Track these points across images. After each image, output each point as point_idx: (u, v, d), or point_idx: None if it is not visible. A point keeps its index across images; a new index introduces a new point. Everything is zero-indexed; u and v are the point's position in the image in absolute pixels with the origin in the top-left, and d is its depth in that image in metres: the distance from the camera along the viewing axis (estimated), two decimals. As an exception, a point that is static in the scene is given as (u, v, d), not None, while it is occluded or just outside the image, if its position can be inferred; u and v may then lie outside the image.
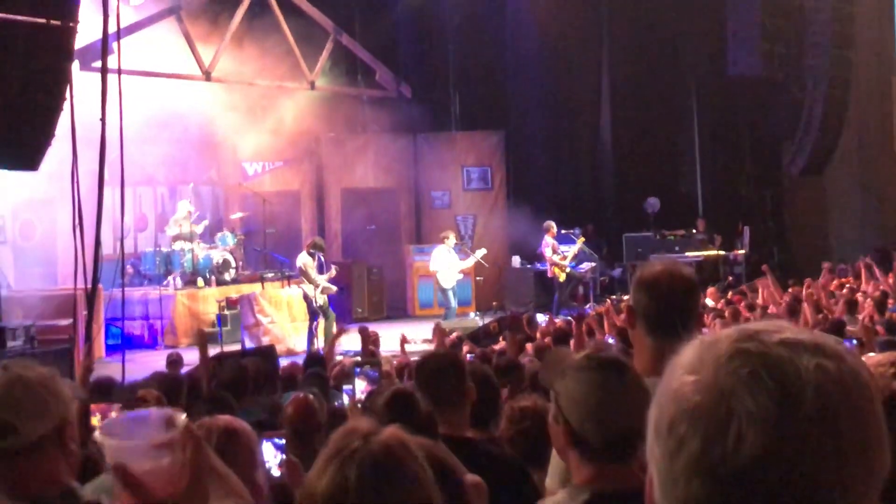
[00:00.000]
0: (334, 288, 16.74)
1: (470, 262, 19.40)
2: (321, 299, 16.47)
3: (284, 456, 4.12)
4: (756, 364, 1.14)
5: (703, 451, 1.12)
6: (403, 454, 2.09)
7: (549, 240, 20.28)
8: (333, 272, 16.99)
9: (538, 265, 21.21)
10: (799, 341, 1.16)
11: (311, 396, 5.92)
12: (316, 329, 16.53)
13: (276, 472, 4.04)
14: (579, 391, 2.64)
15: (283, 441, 4.17)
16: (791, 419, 1.11)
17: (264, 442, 4.07)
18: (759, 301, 16.46)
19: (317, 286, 16.38)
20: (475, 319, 19.16)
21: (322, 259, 17.39)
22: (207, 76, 19.42)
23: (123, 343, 14.54)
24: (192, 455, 1.77)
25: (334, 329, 16.21)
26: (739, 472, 1.11)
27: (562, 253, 20.41)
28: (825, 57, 22.61)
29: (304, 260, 16.55)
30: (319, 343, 16.08)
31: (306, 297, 16.60)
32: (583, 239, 20.99)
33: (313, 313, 16.55)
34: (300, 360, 11.83)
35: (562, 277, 20.32)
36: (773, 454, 1.10)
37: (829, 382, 1.13)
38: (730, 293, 18.19)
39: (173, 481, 1.74)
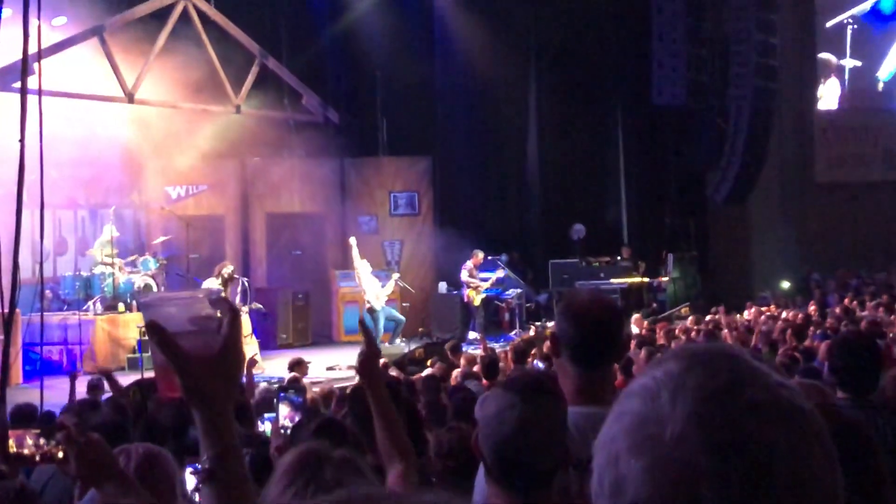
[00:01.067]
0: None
1: (390, 289, 19.34)
2: None
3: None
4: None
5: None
6: (355, 475, 2.14)
7: (468, 264, 20.38)
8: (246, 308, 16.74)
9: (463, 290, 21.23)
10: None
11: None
12: None
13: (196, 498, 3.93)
14: (487, 410, 2.57)
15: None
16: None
17: (187, 470, 3.98)
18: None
19: None
20: (400, 346, 19.08)
21: (246, 284, 17.21)
22: (130, 98, 19.14)
23: (42, 369, 14.18)
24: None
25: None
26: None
27: (479, 278, 20.46)
28: (748, 87, 22.95)
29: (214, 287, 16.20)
30: None
31: None
32: (502, 270, 20.99)
33: None
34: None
35: (476, 301, 20.35)
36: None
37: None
38: (646, 322, 18.34)
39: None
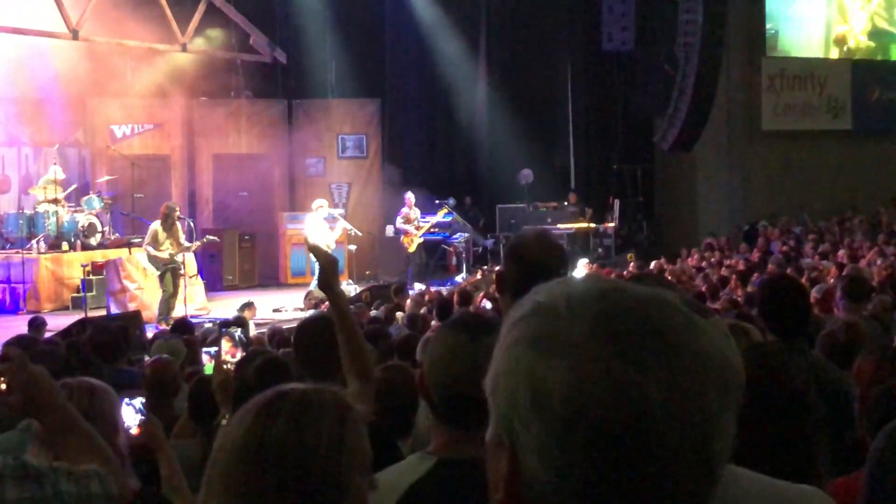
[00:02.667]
0: (169, 258, 16.10)
1: (338, 232, 19.24)
2: (157, 270, 15.92)
3: (143, 416, 4.07)
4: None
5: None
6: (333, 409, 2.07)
7: (403, 210, 20.38)
8: (194, 244, 16.63)
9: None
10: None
11: (168, 357, 5.90)
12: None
13: (134, 432, 4.00)
14: (435, 351, 2.58)
15: (142, 401, 4.12)
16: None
17: (123, 404, 4.01)
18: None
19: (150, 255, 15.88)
20: (348, 289, 19.10)
21: (191, 225, 17.11)
22: (75, 35, 18.82)
23: (-17, 307, 14.11)
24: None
25: (174, 304, 15.90)
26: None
27: (418, 222, 20.43)
28: (697, 35, 22.98)
29: (152, 228, 16.04)
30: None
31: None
32: (445, 210, 20.98)
33: (161, 280, 16.05)
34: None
35: (411, 248, 20.37)
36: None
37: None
38: (594, 265, 18.53)
39: None
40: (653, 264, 17.77)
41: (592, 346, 1.09)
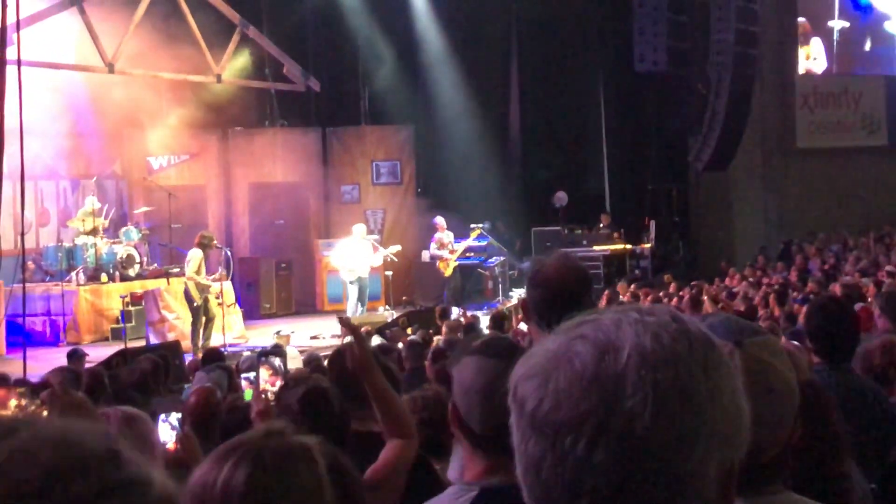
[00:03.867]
0: (211, 284, 16.24)
1: (380, 258, 19.31)
2: (199, 298, 16.04)
3: (179, 432, 4.12)
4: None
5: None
6: (300, 459, 2.09)
7: (436, 236, 20.42)
8: (222, 274, 16.75)
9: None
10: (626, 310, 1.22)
11: (210, 385, 5.93)
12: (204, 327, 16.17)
13: (171, 448, 4.05)
14: (467, 377, 2.55)
15: (179, 417, 4.16)
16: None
17: (160, 422, 4.06)
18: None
19: (196, 284, 16.00)
20: (384, 314, 19.13)
21: (228, 254, 17.21)
22: (111, 68, 19.04)
23: (25, 340, 14.19)
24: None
25: (210, 332, 15.99)
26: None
27: (451, 247, 20.45)
28: (729, 54, 22.94)
29: (190, 255, 16.19)
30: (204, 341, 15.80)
31: (187, 295, 16.23)
32: (477, 232, 20.98)
33: (194, 312, 16.20)
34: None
35: (447, 272, 20.38)
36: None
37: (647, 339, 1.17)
38: (633, 286, 18.44)
39: None
40: (693, 282, 17.65)
41: None
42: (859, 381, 4.68)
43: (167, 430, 4.10)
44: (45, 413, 2.67)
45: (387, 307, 20.18)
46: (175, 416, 4.15)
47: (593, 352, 1.16)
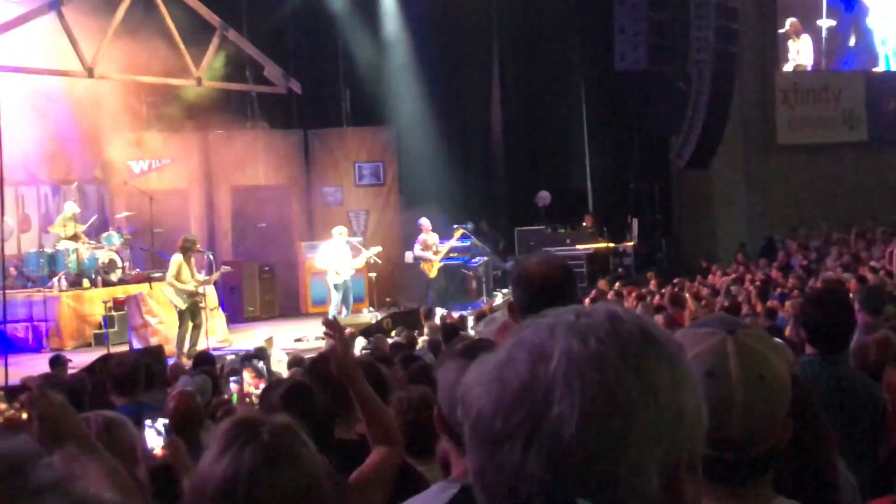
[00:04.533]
0: (195, 289, 16.17)
1: (362, 261, 19.30)
2: (182, 303, 15.97)
3: (166, 438, 4.10)
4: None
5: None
6: (294, 441, 2.16)
7: (420, 237, 20.44)
8: (217, 274, 16.70)
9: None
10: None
11: (190, 390, 5.93)
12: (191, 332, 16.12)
13: (158, 454, 4.03)
14: (450, 378, 2.56)
15: (165, 422, 4.13)
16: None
17: (146, 428, 4.04)
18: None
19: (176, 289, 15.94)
20: (368, 316, 19.11)
21: (211, 258, 17.15)
22: (90, 73, 18.94)
23: (6, 346, 14.13)
24: None
25: (197, 338, 15.94)
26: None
27: (435, 248, 20.49)
28: (709, 51, 23.01)
29: (173, 260, 16.13)
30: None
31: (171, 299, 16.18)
32: (460, 232, 21.02)
33: (180, 317, 16.13)
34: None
35: (431, 273, 20.42)
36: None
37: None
38: (616, 284, 18.47)
39: None
40: (675, 280, 17.69)
41: None
42: (851, 373, 4.70)
43: (153, 436, 4.07)
44: (24, 416, 2.65)
45: (371, 309, 20.15)
46: (161, 422, 4.13)
47: (528, 359, 1.18)
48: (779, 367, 2.04)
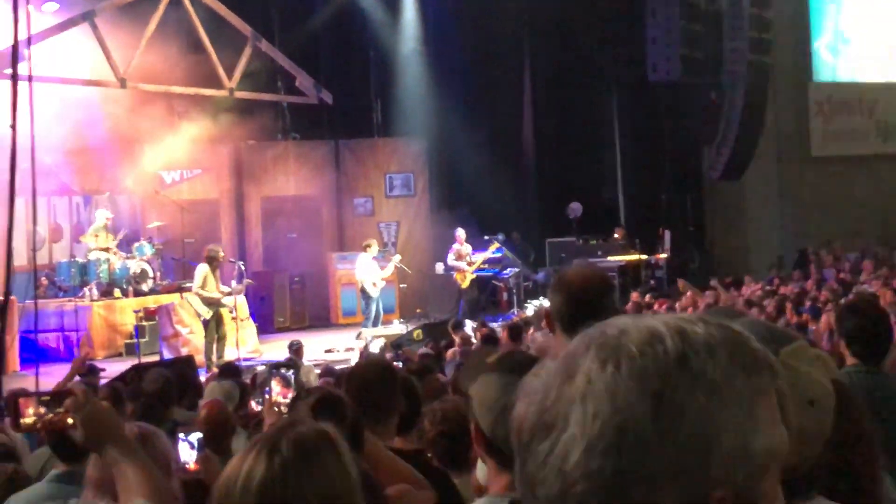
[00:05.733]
0: (220, 297, 16.17)
1: (389, 271, 19.29)
2: (207, 312, 15.97)
3: (200, 452, 4.06)
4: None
5: None
6: (322, 448, 2.14)
7: (454, 247, 20.41)
8: (240, 287, 16.69)
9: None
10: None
11: (220, 399, 5.91)
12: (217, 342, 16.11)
13: (192, 468, 4.00)
14: (488, 395, 2.54)
15: (199, 437, 4.10)
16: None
17: (180, 441, 4.01)
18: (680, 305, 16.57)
19: (203, 298, 15.94)
20: (399, 327, 19.08)
21: (242, 268, 17.14)
22: (123, 83, 19.05)
23: (38, 356, 14.16)
24: None
25: (224, 349, 15.92)
26: None
27: (469, 258, 20.45)
28: (743, 63, 22.87)
29: (197, 269, 16.13)
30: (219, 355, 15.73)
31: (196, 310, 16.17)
32: (496, 245, 21.01)
33: (205, 326, 16.11)
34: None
35: (464, 284, 20.38)
36: None
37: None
38: (648, 296, 18.33)
39: None
40: (707, 293, 17.52)
41: None
42: (894, 383, 4.63)
43: (187, 450, 4.04)
44: (69, 421, 2.67)
45: (401, 320, 20.12)
46: (196, 436, 4.10)
47: (561, 373, 1.15)
48: (824, 382, 2.01)
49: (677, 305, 16.24)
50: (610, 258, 22.27)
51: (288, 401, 5.34)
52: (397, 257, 19.45)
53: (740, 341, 1.16)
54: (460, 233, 20.63)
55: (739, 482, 1.11)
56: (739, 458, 1.11)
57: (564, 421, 1.11)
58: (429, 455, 4.48)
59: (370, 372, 4.26)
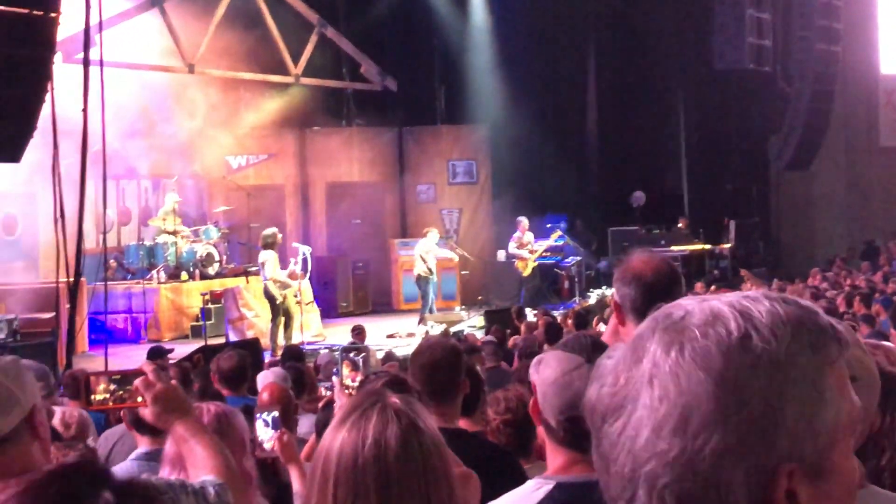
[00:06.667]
0: (292, 283, 16.33)
1: (448, 255, 19.37)
2: (280, 296, 16.13)
3: (278, 431, 4.14)
4: None
5: None
6: (414, 411, 2.21)
7: (516, 235, 20.39)
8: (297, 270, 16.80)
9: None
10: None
11: (280, 383, 5.98)
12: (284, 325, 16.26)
13: (268, 447, 4.09)
14: (546, 370, 2.57)
15: (275, 415, 4.17)
16: None
17: (256, 419, 4.10)
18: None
19: (277, 283, 16.09)
20: (460, 313, 19.12)
21: (307, 254, 17.28)
22: (191, 69, 19.28)
23: (107, 337, 14.42)
24: None
25: (291, 333, 16.06)
26: None
27: (531, 246, 20.41)
28: (811, 52, 22.61)
29: (264, 256, 16.28)
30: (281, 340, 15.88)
31: (267, 294, 16.30)
32: (558, 233, 20.95)
33: (275, 311, 16.28)
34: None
35: (525, 272, 20.35)
36: None
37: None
38: (713, 287, 18.18)
39: None
40: (774, 283, 17.37)
41: None
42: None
43: (262, 428, 4.12)
44: (139, 399, 2.75)
45: (462, 307, 20.16)
46: (271, 415, 4.17)
47: (630, 356, 1.18)
48: (868, 362, 2.04)
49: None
50: (673, 248, 22.14)
51: (357, 384, 5.42)
52: (456, 253, 19.51)
53: (805, 316, 1.17)
54: (523, 221, 20.60)
55: (808, 455, 1.13)
56: (806, 432, 1.13)
57: (633, 403, 1.14)
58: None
59: (436, 353, 4.28)
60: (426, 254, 18.85)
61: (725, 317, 1.15)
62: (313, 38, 21.27)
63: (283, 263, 16.85)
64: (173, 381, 2.86)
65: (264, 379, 6.80)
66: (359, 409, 2.17)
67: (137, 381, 2.79)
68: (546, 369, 2.58)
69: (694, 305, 1.18)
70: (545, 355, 2.67)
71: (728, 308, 1.16)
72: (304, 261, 17.04)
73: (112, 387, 2.84)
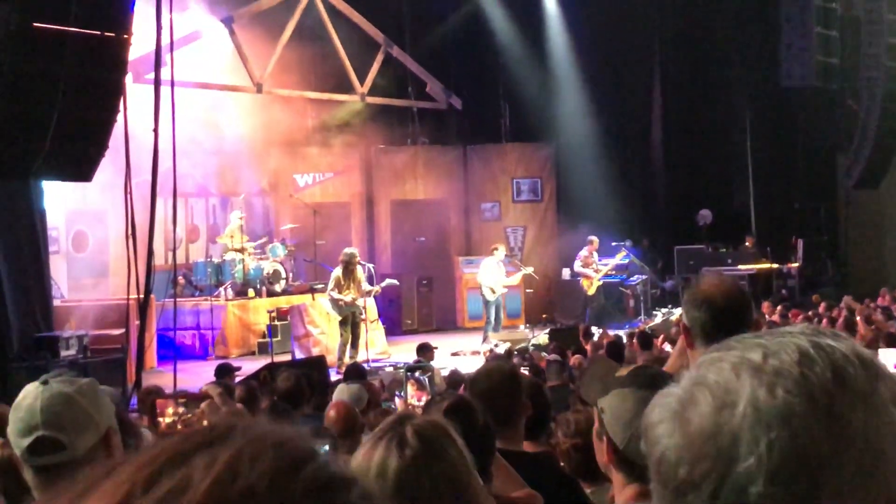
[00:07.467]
0: (352, 301, 16.41)
1: (516, 279, 19.38)
2: (338, 314, 16.23)
3: (332, 452, 4.16)
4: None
5: None
6: (444, 432, 2.26)
7: (583, 252, 20.31)
8: (377, 288, 16.90)
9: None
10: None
11: (346, 401, 6.00)
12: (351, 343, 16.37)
13: None
14: (624, 409, 2.55)
15: (331, 442, 4.20)
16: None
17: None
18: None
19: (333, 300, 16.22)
20: (524, 332, 19.09)
21: (371, 270, 17.37)
22: (259, 88, 19.52)
23: (175, 353, 14.59)
24: None
25: (356, 350, 16.15)
26: None
27: (596, 265, 20.33)
28: (880, 69, 22.30)
29: (333, 275, 16.43)
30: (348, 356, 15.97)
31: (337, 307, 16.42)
32: (623, 252, 20.87)
33: (341, 328, 16.39)
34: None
35: (591, 290, 20.27)
36: None
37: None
38: (780, 307, 17.97)
39: None
40: (843, 301, 17.14)
41: None
42: None
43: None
44: (205, 423, 2.76)
45: (527, 325, 20.13)
46: (325, 447, 4.20)
47: (712, 403, 1.12)
48: None
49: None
50: (740, 266, 21.93)
51: (422, 403, 5.43)
52: (530, 269, 19.51)
53: (858, 351, 1.16)
54: (594, 240, 20.51)
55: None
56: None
57: (730, 455, 1.09)
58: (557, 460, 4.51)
59: (493, 378, 4.28)
60: (489, 274, 18.83)
61: (811, 354, 1.13)
62: (379, 58, 21.44)
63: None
64: (238, 405, 2.90)
65: (339, 394, 6.86)
66: (375, 438, 2.23)
67: (204, 405, 2.82)
68: (617, 406, 2.58)
69: (773, 346, 1.15)
70: (618, 392, 2.64)
71: (808, 344, 1.14)
72: (370, 277, 17.12)
73: (180, 409, 2.88)
